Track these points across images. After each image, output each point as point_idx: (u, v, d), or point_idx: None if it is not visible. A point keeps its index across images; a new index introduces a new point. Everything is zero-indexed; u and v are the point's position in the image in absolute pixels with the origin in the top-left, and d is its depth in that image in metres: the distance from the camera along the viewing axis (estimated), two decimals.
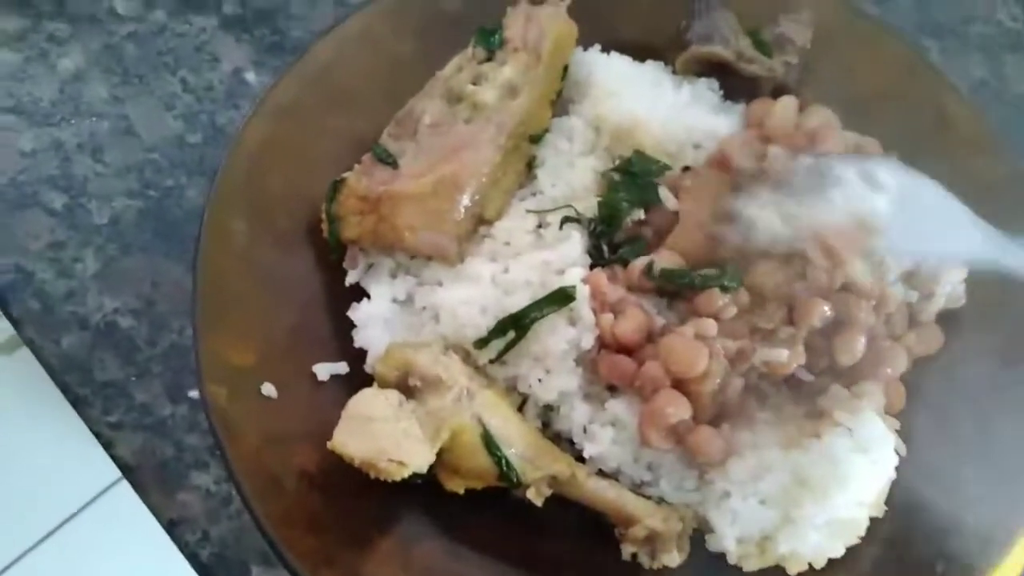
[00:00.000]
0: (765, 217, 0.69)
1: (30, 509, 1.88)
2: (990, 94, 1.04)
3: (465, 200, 0.75)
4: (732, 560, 0.69)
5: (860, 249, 0.67)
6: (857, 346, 0.70)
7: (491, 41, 0.83)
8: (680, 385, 0.69)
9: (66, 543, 1.88)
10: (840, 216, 0.67)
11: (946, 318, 0.79)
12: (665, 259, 0.72)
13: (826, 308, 0.70)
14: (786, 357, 0.69)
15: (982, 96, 1.03)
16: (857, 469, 0.66)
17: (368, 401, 0.67)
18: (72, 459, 1.87)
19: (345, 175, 0.78)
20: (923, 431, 0.76)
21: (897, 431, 0.73)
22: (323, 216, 0.78)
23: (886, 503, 0.71)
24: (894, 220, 0.66)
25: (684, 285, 0.71)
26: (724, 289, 0.71)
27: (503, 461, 0.68)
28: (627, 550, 0.71)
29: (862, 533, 0.68)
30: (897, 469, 0.71)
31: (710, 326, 0.69)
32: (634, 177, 0.77)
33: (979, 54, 1.06)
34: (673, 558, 0.69)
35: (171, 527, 0.75)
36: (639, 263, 0.73)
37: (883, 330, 0.74)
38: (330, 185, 0.78)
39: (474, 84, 0.80)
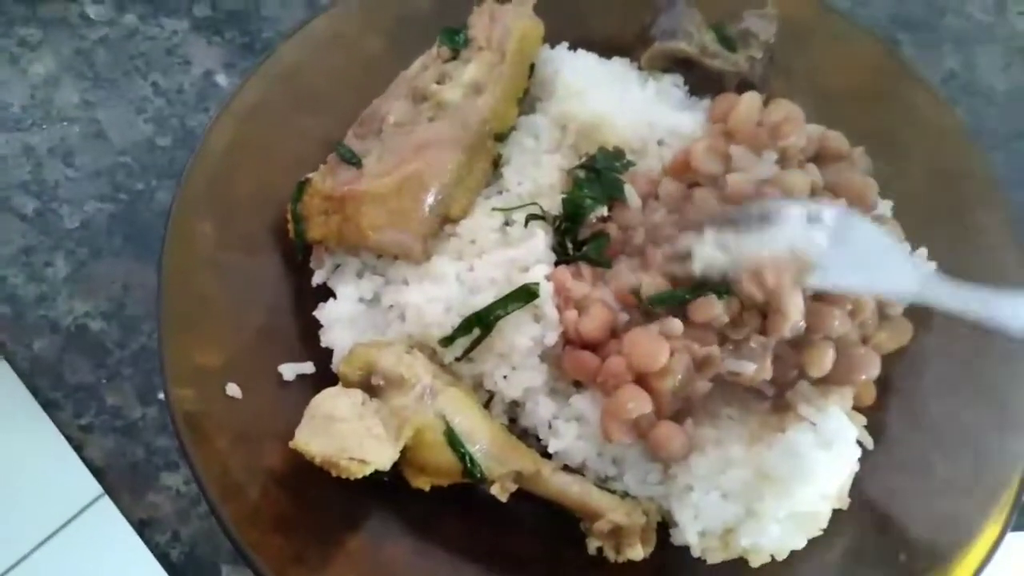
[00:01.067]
0: (706, 250, 0.71)
1: (24, 516, 1.89)
2: (960, 85, 1.04)
3: (430, 199, 0.76)
4: (696, 553, 0.70)
5: (794, 281, 0.68)
6: (827, 360, 0.70)
7: (456, 40, 0.83)
8: (642, 381, 0.69)
9: (61, 549, 1.88)
10: (778, 250, 0.69)
11: (913, 311, 0.79)
12: (650, 284, 0.72)
13: (800, 322, 0.70)
14: (752, 370, 0.69)
15: (952, 87, 1.04)
16: (820, 464, 0.66)
17: (331, 400, 0.68)
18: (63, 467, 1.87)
19: (310, 175, 0.79)
20: (891, 424, 0.76)
21: (865, 425, 0.74)
22: (288, 216, 0.78)
23: (851, 495, 0.71)
24: (832, 256, 0.68)
25: (677, 303, 0.71)
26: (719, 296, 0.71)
27: (467, 457, 0.69)
28: (592, 544, 0.71)
29: (824, 526, 0.69)
30: (863, 461, 0.71)
31: (676, 326, 0.69)
32: (599, 174, 0.78)
33: (950, 45, 1.07)
34: (637, 552, 0.69)
35: (141, 527, 0.76)
36: (624, 283, 0.73)
37: (856, 335, 0.75)
38: (296, 186, 0.78)
39: (439, 83, 0.80)
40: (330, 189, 0.76)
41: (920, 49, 1.06)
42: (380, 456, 0.65)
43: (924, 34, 1.08)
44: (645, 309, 0.72)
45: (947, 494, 0.73)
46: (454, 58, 0.82)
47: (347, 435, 0.66)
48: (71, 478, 1.83)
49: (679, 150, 0.79)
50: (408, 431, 0.68)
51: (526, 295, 0.72)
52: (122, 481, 0.77)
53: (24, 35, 0.98)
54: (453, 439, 0.69)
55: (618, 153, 0.79)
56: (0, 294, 0.84)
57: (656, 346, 0.68)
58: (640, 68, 0.86)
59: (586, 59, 0.86)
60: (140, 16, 1.00)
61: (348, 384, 0.71)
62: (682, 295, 0.71)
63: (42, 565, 1.87)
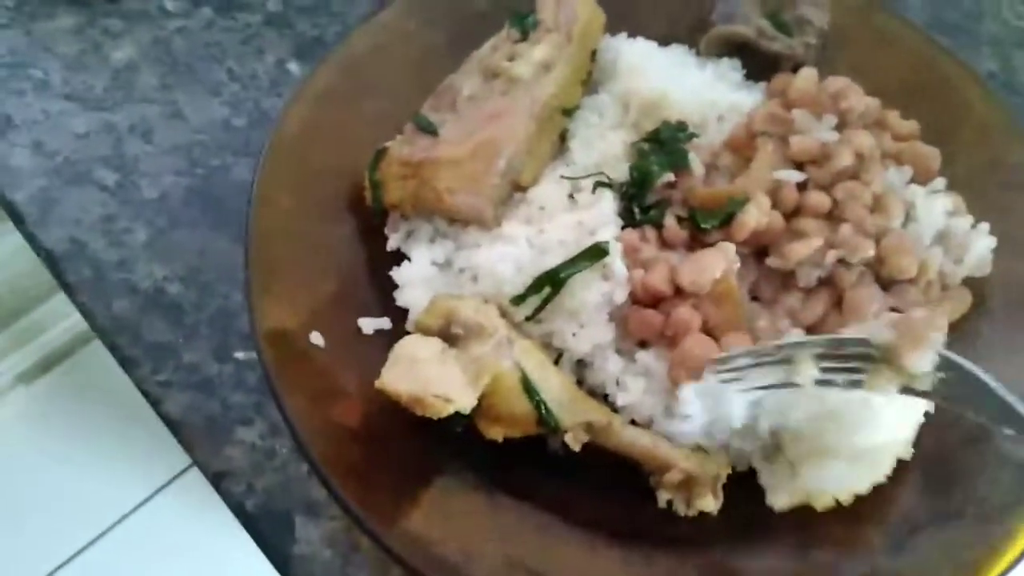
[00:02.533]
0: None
1: (60, 528, 1.93)
2: (1000, 85, 1.08)
3: (502, 164, 0.79)
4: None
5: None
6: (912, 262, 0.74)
7: (525, 23, 0.88)
8: (708, 330, 0.72)
9: (109, 551, 1.93)
10: None
11: (970, 281, 0.81)
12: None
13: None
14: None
15: (993, 88, 1.07)
16: (887, 407, 0.68)
17: (415, 344, 0.70)
18: (100, 480, 1.93)
19: (387, 144, 0.82)
20: None
21: None
22: (366, 183, 0.81)
23: (915, 450, 0.73)
24: None
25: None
26: None
27: (542, 405, 0.71)
28: (663, 497, 0.73)
29: (887, 472, 0.70)
30: (927, 417, 0.73)
31: (730, 248, 0.73)
32: (662, 144, 0.81)
33: (988, 48, 1.11)
34: (709, 503, 0.71)
35: (217, 479, 0.77)
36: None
37: (920, 297, 0.77)
38: (374, 153, 0.82)
39: (510, 61, 0.84)
40: (408, 155, 0.80)
41: (958, 52, 1.09)
42: (462, 397, 0.67)
43: (962, 38, 1.12)
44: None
45: (1007, 462, 0.75)
46: (522, 40, 0.87)
47: (430, 376, 0.68)
48: (119, 484, 1.93)
49: (738, 124, 0.83)
50: (486, 377, 0.70)
51: (596, 254, 0.75)
52: (199, 435, 0.79)
53: (107, 26, 1.03)
54: (528, 387, 0.71)
55: (681, 125, 0.83)
56: (82, 258, 0.87)
57: (711, 259, 0.71)
58: (698, 54, 0.91)
59: (645, 45, 0.91)
60: (216, 9, 1.06)
61: (427, 333, 0.73)
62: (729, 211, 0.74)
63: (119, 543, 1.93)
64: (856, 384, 0.65)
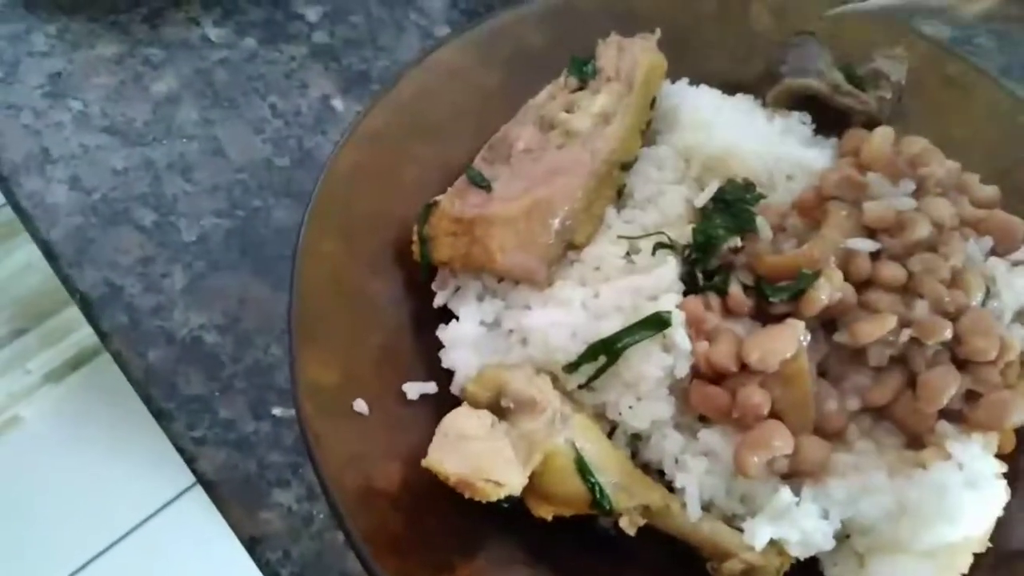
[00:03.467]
0: None
1: (86, 526, 1.94)
2: None
3: (557, 224, 0.75)
4: None
5: None
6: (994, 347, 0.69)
7: (584, 70, 0.84)
8: (779, 414, 0.68)
9: (132, 552, 1.94)
10: None
11: None
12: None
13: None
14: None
15: None
16: (965, 503, 0.64)
17: (463, 419, 0.67)
18: (126, 479, 1.94)
19: (438, 198, 0.79)
20: None
21: (1004, 473, 0.71)
22: (415, 238, 0.78)
23: (991, 542, 0.68)
24: None
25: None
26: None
27: (596, 488, 0.67)
28: None
29: (964, 570, 0.66)
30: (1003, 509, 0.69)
31: (800, 326, 0.69)
32: (728, 204, 0.77)
33: None
34: None
35: (252, 544, 0.75)
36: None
37: (999, 379, 0.72)
38: (423, 207, 0.79)
39: (567, 112, 0.81)
40: (459, 211, 0.77)
41: None
42: (513, 479, 0.64)
43: None
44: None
45: None
46: (581, 88, 0.83)
47: (480, 455, 0.64)
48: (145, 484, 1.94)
49: (808, 185, 0.79)
50: (538, 456, 0.66)
51: (657, 323, 0.71)
52: (234, 496, 0.77)
53: (147, 55, 1.01)
54: (583, 467, 0.67)
55: (748, 185, 0.78)
56: (117, 303, 0.85)
57: (781, 337, 0.66)
58: (764, 105, 0.86)
59: (709, 94, 0.87)
60: (259, 41, 1.03)
61: (476, 405, 0.70)
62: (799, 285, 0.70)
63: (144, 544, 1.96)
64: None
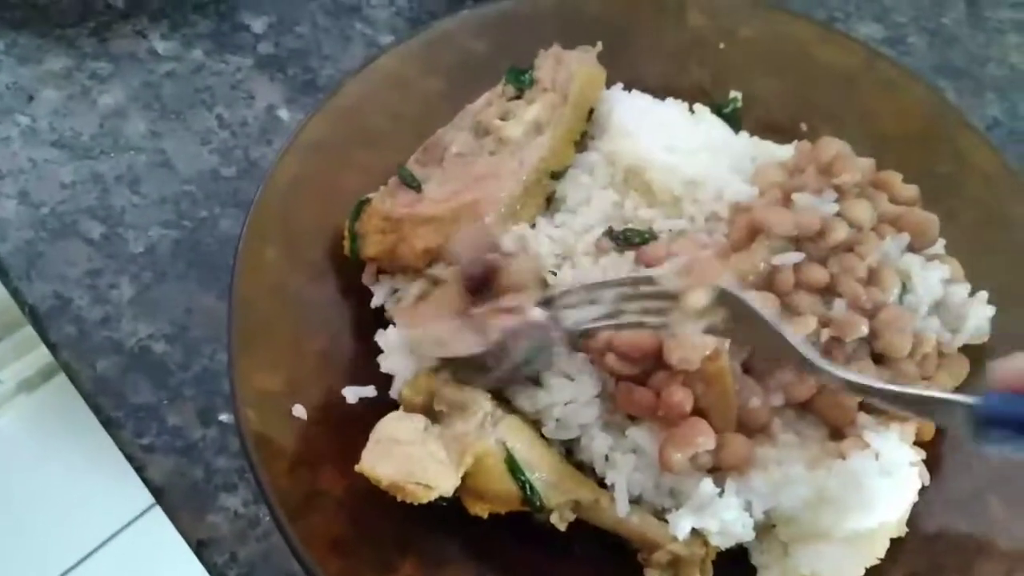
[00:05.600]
0: None
1: (62, 535, 1.94)
2: (1005, 133, 1.06)
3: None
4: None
5: None
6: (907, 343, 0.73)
7: (521, 80, 0.86)
8: (702, 412, 0.70)
9: (107, 562, 1.95)
10: None
11: (968, 352, 0.80)
12: None
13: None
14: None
15: (997, 134, 1.05)
16: (881, 490, 0.67)
17: (395, 424, 0.69)
18: (101, 489, 1.95)
19: (370, 195, 0.81)
20: (947, 460, 0.76)
21: (923, 460, 0.74)
22: (346, 233, 0.80)
23: (910, 530, 0.71)
24: None
25: None
26: None
27: (527, 485, 0.69)
28: (651, 575, 0.71)
29: (881, 554, 0.69)
30: (921, 495, 0.72)
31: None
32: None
33: (993, 94, 1.09)
34: None
35: (200, 548, 0.76)
36: None
37: (916, 372, 0.75)
38: (356, 204, 0.81)
39: (502, 119, 0.83)
40: (389, 209, 0.79)
41: (963, 97, 1.08)
42: (444, 481, 0.66)
43: (966, 82, 1.10)
44: None
45: (1003, 534, 0.73)
46: (518, 97, 0.85)
47: (412, 459, 0.67)
48: (121, 493, 1.94)
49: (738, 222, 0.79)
50: (469, 457, 0.68)
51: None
52: (181, 501, 0.78)
53: (95, 69, 1.02)
54: (513, 466, 0.69)
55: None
56: (65, 315, 0.86)
57: (701, 338, 0.69)
58: (691, 111, 0.89)
59: (640, 99, 0.89)
60: (206, 52, 1.04)
61: (411, 409, 0.72)
62: None
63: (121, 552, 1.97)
64: (664, 325, 0.68)
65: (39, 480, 2.01)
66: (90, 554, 1.97)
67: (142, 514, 2.00)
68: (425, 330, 0.73)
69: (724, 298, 0.66)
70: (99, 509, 1.98)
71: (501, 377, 0.72)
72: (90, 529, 1.98)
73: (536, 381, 0.74)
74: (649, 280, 0.69)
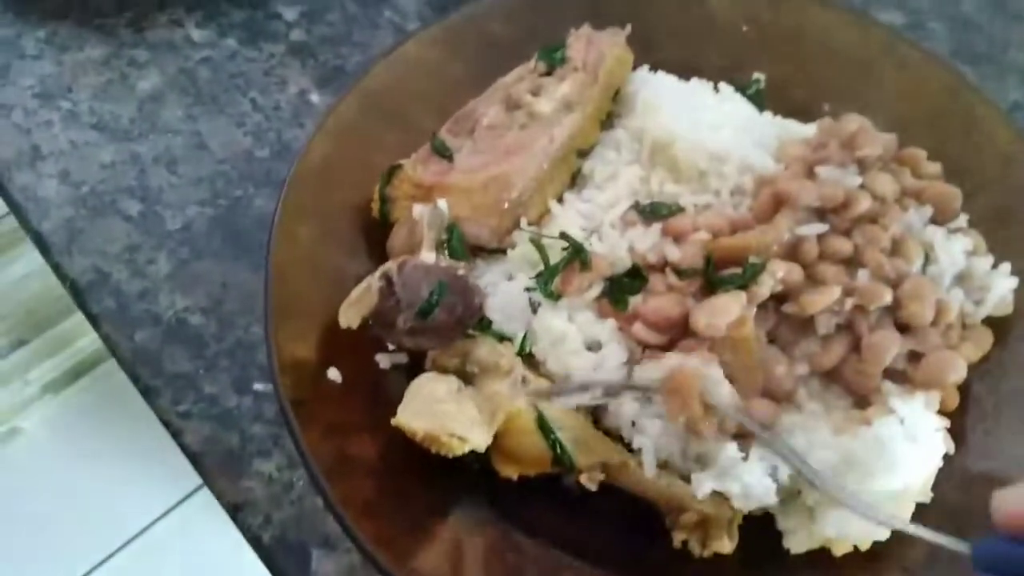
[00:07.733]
0: None
1: (86, 535, 1.96)
2: None
3: (510, 200, 0.80)
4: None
5: None
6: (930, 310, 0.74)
7: (553, 58, 0.88)
8: (729, 379, 0.71)
9: (131, 562, 1.97)
10: None
11: (992, 325, 0.80)
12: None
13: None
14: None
15: (1018, 118, 1.06)
16: (906, 455, 0.68)
17: (431, 382, 0.71)
18: (124, 490, 1.97)
19: (402, 161, 0.83)
20: (970, 430, 0.77)
21: (947, 429, 0.74)
22: (376, 196, 0.82)
23: (934, 498, 0.72)
24: None
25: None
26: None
27: (557, 444, 0.71)
28: (678, 538, 0.72)
29: (907, 517, 0.69)
30: (945, 464, 0.72)
31: (742, 295, 0.73)
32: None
33: (1015, 78, 1.10)
34: (724, 544, 0.70)
35: (235, 511, 0.78)
36: None
37: (940, 341, 0.76)
38: (387, 169, 0.83)
39: (533, 95, 0.85)
40: (420, 176, 0.81)
41: (984, 82, 1.08)
42: (477, 436, 0.68)
43: (988, 67, 1.11)
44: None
45: None
46: (549, 73, 0.87)
47: (446, 414, 0.68)
48: (143, 494, 1.97)
49: (763, 194, 0.81)
50: (501, 416, 0.70)
51: None
52: (217, 467, 0.80)
53: (133, 56, 1.05)
54: (544, 425, 0.71)
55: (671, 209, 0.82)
56: (105, 289, 0.89)
57: (726, 305, 0.71)
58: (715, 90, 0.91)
59: (666, 79, 0.91)
60: (240, 40, 1.07)
61: (444, 371, 0.74)
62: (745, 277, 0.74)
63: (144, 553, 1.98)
64: None
65: (63, 481, 2.03)
66: (113, 554, 1.99)
67: (164, 515, 2.01)
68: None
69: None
70: (122, 509, 2.00)
71: (415, 327, 0.73)
72: (113, 529, 2.00)
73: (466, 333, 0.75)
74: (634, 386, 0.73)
